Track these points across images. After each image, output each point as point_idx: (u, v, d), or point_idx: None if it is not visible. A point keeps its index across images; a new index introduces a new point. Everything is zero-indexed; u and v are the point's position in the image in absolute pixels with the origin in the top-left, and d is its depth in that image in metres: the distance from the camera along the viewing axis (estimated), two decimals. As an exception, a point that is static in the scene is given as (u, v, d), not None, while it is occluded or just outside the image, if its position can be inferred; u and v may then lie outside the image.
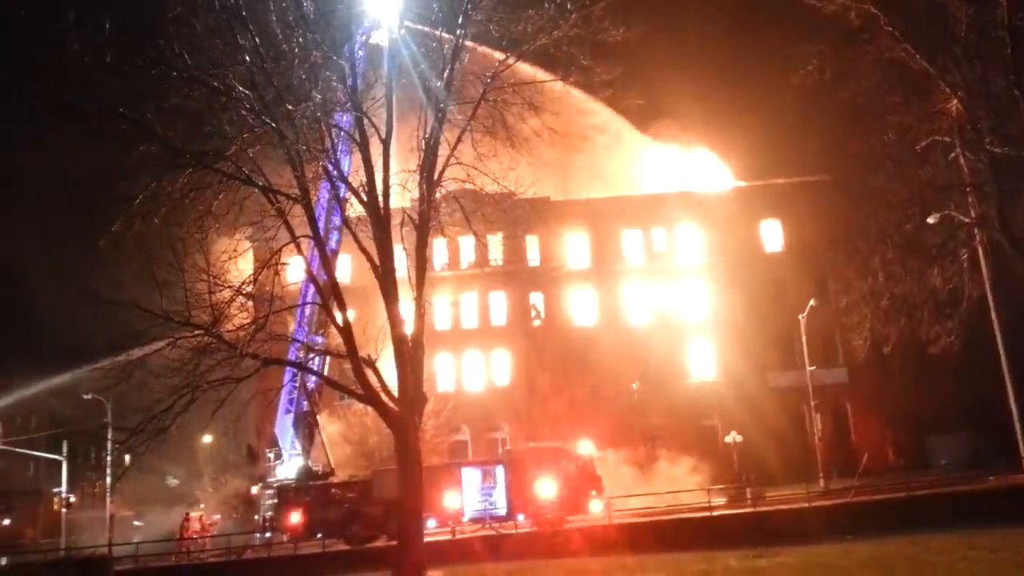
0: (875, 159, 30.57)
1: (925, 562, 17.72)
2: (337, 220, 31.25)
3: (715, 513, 30.75)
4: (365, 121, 23.56)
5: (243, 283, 22.24)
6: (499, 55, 24.56)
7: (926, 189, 28.65)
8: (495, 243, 47.96)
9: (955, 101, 28.80)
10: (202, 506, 47.30)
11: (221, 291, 21.46)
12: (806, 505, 30.62)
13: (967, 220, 29.28)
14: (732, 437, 44.28)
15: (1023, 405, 31.62)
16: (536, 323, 53.58)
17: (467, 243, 48.07)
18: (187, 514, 41.37)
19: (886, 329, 28.87)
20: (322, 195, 30.83)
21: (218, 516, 45.76)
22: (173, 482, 60.43)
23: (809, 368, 43.16)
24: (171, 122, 21.36)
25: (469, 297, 52.62)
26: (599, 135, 43.58)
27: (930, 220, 28.34)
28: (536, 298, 53.90)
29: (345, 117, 25.55)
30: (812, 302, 42.06)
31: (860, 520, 26.72)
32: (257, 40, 21.67)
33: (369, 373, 22.56)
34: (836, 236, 36.11)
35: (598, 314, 53.83)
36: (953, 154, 29.80)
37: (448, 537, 30.15)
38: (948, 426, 45.78)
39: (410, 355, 22.87)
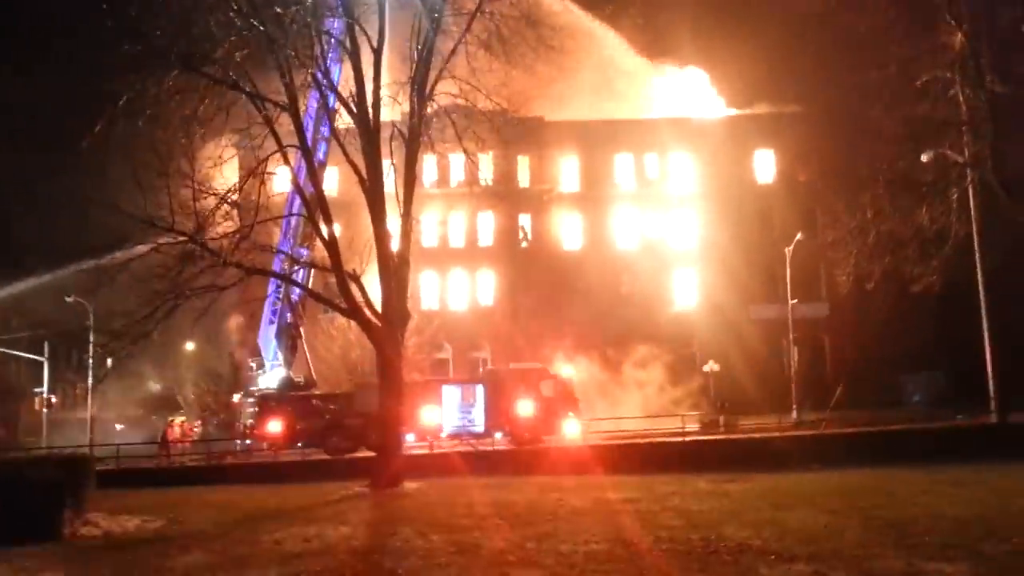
0: (873, 92, 30.21)
1: (888, 492, 18.20)
2: (325, 131, 30.77)
3: (688, 439, 31.36)
4: (356, 29, 22.96)
5: (228, 191, 21.99)
6: (498, -37, 23.83)
7: (922, 126, 28.44)
8: (486, 162, 47.54)
9: (959, 35, 28.37)
10: (183, 412, 47.79)
11: (206, 198, 21.23)
12: (777, 434, 31.29)
13: (960, 159, 29.16)
14: (710, 366, 44.87)
15: (996, 347, 32.10)
16: (523, 245, 53.50)
17: (457, 161, 47.13)
18: (171, 420, 41.85)
19: (870, 265, 29.05)
20: (311, 105, 30.26)
21: (199, 424, 46.30)
22: (155, 388, 60.83)
23: (791, 301, 43.48)
24: (157, 22, 20.74)
25: (457, 216, 52.32)
26: (597, 55, 42.68)
27: (923, 157, 28.19)
28: (524, 220, 53.67)
29: (336, 23, 24.87)
30: (799, 235, 42.07)
31: (829, 451, 27.32)
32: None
33: (353, 288, 22.57)
34: (828, 169, 35.94)
35: (585, 238, 53.76)
36: (952, 91, 29.47)
37: (426, 451, 30.67)
38: (923, 364, 46.48)
39: (395, 271, 22.87)
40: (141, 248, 22.07)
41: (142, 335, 21.25)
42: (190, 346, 54.61)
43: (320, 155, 33.17)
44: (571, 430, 32.97)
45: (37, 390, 45.24)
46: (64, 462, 15.84)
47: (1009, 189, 28.55)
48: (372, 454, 25.65)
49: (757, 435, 32.20)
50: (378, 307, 22.82)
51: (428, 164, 45.76)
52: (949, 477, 20.08)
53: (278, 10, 20.36)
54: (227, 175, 23.45)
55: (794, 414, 40.03)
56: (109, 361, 26.26)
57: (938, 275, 28.50)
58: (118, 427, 53.47)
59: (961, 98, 28.85)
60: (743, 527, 13.77)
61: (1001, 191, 28.11)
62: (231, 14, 20.62)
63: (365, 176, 22.89)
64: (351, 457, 30.19)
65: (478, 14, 23.27)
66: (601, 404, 38.89)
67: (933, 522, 13.84)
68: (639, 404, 40.56)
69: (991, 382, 32.31)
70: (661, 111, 53.95)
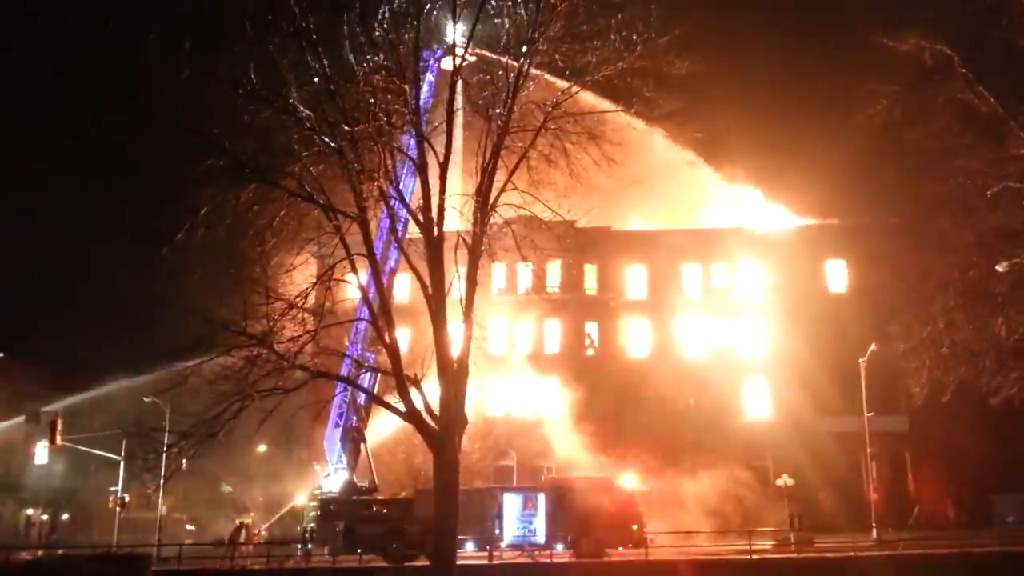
0: (942, 202, 29.80)
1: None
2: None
3: (755, 557, 30.02)
4: (425, 145, 23.99)
5: (296, 296, 22.76)
6: (562, 84, 24.76)
7: (994, 235, 27.81)
8: (553, 270, 48.28)
9: (1028, 147, 27.94)
10: (251, 514, 48.13)
11: (274, 303, 21.99)
12: (853, 554, 29.70)
13: (1037, 269, 28.25)
14: (783, 480, 43.26)
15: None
16: (589, 352, 53.35)
17: (524, 269, 48.17)
18: (239, 523, 42.10)
19: (945, 377, 27.98)
20: (385, 214, 31.42)
21: (265, 530, 46.43)
22: (227, 489, 61.66)
23: (867, 414, 42.01)
24: (239, 138, 22.14)
25: (524, 323, 52.71)
26: (661, 167, 43.44)
27: (999, 268, 27.46)
28: (591, 327, 53.73)
29: (406, 139, 26.06)
30: (873, 346, 40.98)
31: (908, 573, 25.78)
32: (326, 62, 22.42)
33: (413, 391, 22.79)
34: (900, 279, 35.25)
35: (653, 346, 53.39)
36: (1025, 201, 28.86)
37: (485, 561, 30.09)
38: (1017, 484, 43.99)
39: (454, 376, 23.02)
40: (214, 351, 22.81)
41: (209, 436, 21.70)
42: (262, 448, 55.53)
43: (392, 262, 34.19)
44: (635, 544, 31.95)
45: (112, 489, 46.32)
46: (121, 560, 16.17)
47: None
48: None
49: (831, 555, 30.63)
50: (437, 412, 22.93)
51: (496, 272, 46.69)
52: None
53: (347, 128, 21.46)
54: (297, 280, 24.30)
55: (873, 533, 38.07)
56: (184, 462, 26.85)
57: (1018, 388, 27.27)
58: (189, 527, 54.17)
59: (1033, 208, 28.21)
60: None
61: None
62: (307, 131, 21.84)
63: (428, 283, 23.43)
64: (409, 565, 29.83)
65: (542, 130, 24.00)
66: (667, 517, 37.71)
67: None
68: (707, 518, 39.18)
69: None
70: (729, 221, 54.14)
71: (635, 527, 32.50)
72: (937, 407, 34.55)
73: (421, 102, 24.87)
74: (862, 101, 29.59)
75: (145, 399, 40.53)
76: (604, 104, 25.61)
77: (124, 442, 44.09)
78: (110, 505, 46.33)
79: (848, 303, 50.83)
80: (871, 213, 46.51)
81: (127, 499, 46.33)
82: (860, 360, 42.03)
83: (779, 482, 43.63)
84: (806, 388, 48.95)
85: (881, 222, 45.51)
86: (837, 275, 53.82)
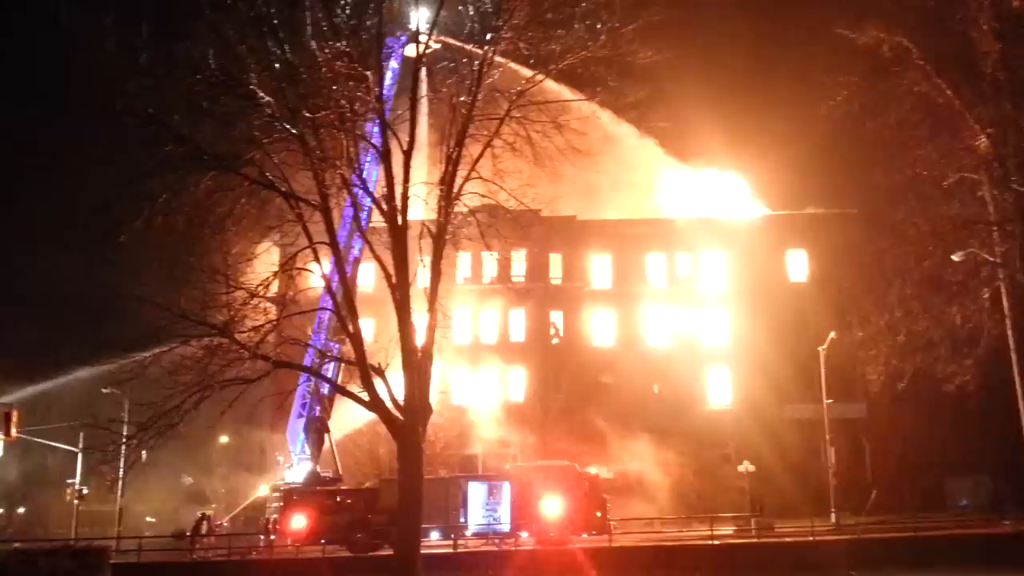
0: (900, 193, 30.28)
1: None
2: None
3: (717, 542, 30.47)
4: (389, 132, 23.78)
5: (258, 286, 22.47)
6: (527, 72, 24.69)
7: (949, 225, 28.33)
8: (519, 259, 48.25)
9: (984, 137, 28.50)
10: (213, 506, 47.62)
11: (234, 292, 21.70)
12: (811, 539, 30.28)
13: (991, 259, 28.87)
14: (745, 466, 43.84)
15: (1041, 449, 30.95)
16: (555, 341, 53.52)
17: (489, 258, 48.09)
18: (202, 514, 41.64)
19: (902, 365, 28.53)
20: (348, 203, 31.13)
21: (227, 521, 45.96)
22: (187, 480, 60.87)
23: (827, 401, 42.72)
24: (198, 125, 21.75)
25: (489, 312, 52.67)
26: (625, 156, 43.57)
27: (955, 257, 27.95)
28: (556, 316, 53.87)
29: (371, 127, 25.82)
30: (832, 334, 41.64)
31: (866, 556, 26.39)
32: (287, 48, 22.09)
33: (377, 381, 22.68)
34: (859, 269, 35.85)
35: (617, 336, 53.66)
36: (980, 191, 29.44)
37: (450, 550, 30.13)
38: (970, 467, 45.08)
39: (418, 365, 22.95)
40: (173, 341, 22.47)
41: (169, 427, 21.41)
42: (224, 439, 54.86)
43: (355, 251, 33.91)
44: (599, 530, 32.20)
45: (70, 481, 45.46)
46: (78, 553, 15.91)
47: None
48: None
49: (790, 539, 31.20)
50: (401, 401, 22.84)
51: (461, 260, 46.47)
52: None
53: (308, 115, 21.21)
54: (259, 269, 24.01)
55: (832, 517, 38.75)
56: (143, 454, 26.54)
57: (972, 375, 27.91)
58: (149, 519, 53.41)
59: (988, 198, 28.80)
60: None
61: (1033, 290, 27.72)
62: (267, 118, 21.53)
63: (392, 272, 23.27)
64: (373, 554, 29.76)
65: (507, 118, 23.90)
66: (631, 504, 38.04)
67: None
68: (671, 504, 39.60)
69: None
70: (692, 211, 54.54)
71: (599, 514, 32.75)
72: (894, 394, 35.26)
73: (385, 89, 24.68)
74: (823, 92, 29.93)
75: (103, 390, 39.76)
76: (568, 93, 25.61)
77: (82, 434, 43.25)
78: (67, 498, 45.49)
79: (808, 292, 51.51)
80: (831, 203, 47.19)
81: (85, 491, 45.51)
82: (820, 348, 42.68)
83: (740, 468, 44.22)
84: (767, 376, 49.61)
85: (841, 212, 46.22)
86: (798, 265, 54.48)
